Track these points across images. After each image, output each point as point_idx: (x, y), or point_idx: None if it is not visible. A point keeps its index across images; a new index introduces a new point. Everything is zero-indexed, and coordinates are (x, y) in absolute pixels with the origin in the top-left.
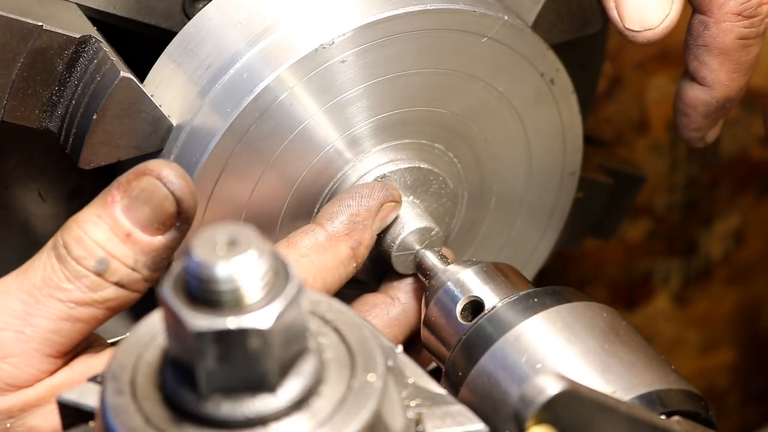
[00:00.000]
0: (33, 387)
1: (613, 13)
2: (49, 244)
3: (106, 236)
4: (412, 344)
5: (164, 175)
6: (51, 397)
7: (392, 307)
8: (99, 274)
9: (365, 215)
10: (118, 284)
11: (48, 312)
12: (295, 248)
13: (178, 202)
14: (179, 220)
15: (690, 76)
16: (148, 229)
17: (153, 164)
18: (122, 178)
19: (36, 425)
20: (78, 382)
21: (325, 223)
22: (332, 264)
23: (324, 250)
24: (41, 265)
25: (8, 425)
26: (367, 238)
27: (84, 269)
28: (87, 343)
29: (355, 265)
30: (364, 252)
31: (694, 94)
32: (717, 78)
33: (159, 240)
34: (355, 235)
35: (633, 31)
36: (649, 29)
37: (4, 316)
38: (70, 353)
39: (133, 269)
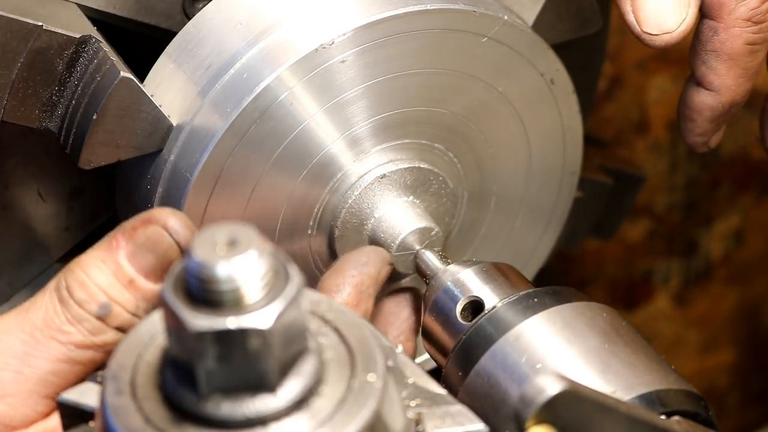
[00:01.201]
0: (27, 430)
1: (630, 17)
2: (51, 284)
3: (109, 281)
4: None
5: (170, 225)
6: None
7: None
8: (101, 319)
9: (369, 283)
10: (119, 329)
11: (48, 354)
12: None
13: (183, 251)
14: None
15: (696, 81)
16: (151, 277)
17: (159, 213)
18: (127, 224)
19: None
20: None
21: (335, 296)
22: None
23: None
24: (43, 305)
25: None
26: (371, 306)
27: (86, 313)
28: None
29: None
30: (367, 316)
31: (701, 99)
32: (724, 83)
33: (161, 287)
34: (362, 305)
35: (651, 34)
36: (667, 33)
37: (3, 356)
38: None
39: (134, 314)
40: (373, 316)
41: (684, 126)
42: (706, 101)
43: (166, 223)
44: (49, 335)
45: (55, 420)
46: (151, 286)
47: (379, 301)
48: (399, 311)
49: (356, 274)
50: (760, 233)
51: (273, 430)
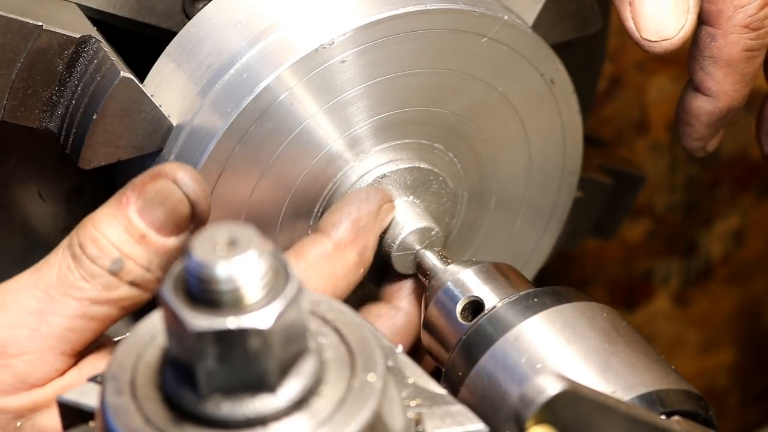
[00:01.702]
0: (43, 387)
1: (630, 23)
2: (64, 242)
3: (121, 237)
4: (416, 350)
5: (179, 178)
6: None
7: (396, 316)
8: (114, 274)
9: (367, 219)
10: (132, 283)
11: (63, 310)
12: (303, 258)
13: (193, 205)
14: (193, 223)
15: (694, 87)
16: (162, 231)
17: (168, 167)
18: (137, 180)
19: (45, 426)
20: None
21: (331, 231)
22: (341, 272)
23: (332, 258)
24: (56, 263)
25: (18, 424)
26: (372, 242)
27: (99, 268)
28: (97, 342)
29: (363, 270)
30: (369, 256)
31: (699, 104)
32: (722, 89)
33: (173, 242)
34: (361, 241)
35: (650, 41)
36: (666, 39)
37: (19, 314)
38: (82, 352)
39: (147, 269)
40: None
41: (682, 131)
42: (703, 106)
43: (175, 176)
44: (64, 292)
45: (69, 377)
46: (163, 241)
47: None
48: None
49: (354, 210)
50: (760, 233)
51: (273, 430)
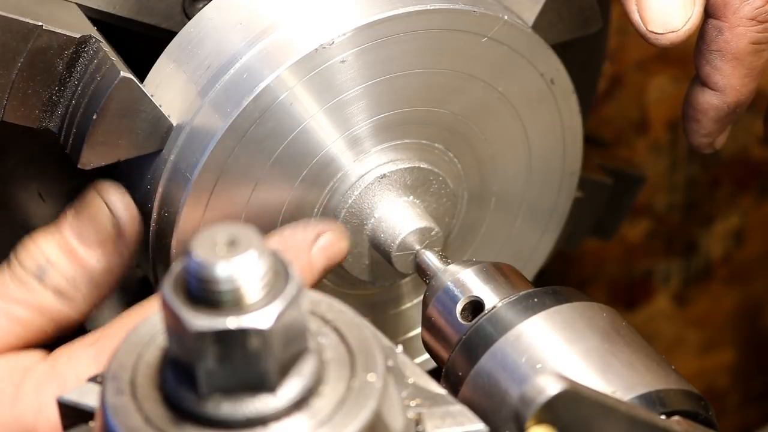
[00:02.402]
0: None
1: (635, 16)
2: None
3: (51, 247)
4: None
5: (107, 197)
6: None
7: None
8: (38, 279)
9: (299, 240)
10: (56, 292)
11: None
12: None
13: (118, 225)
14: (119, 244)
15: (701, 81)
16: (89, 247)
17: (101, 185)
18: (79, 197)
19: None
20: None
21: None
22: None
23: None
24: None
25: None
26: (301, 262)
27: (24, 272)
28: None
29: None
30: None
31: (706, 99)
32: (729, 83)
33: (98, 261)
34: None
35: (656, 33)
36: (672, 32)
37: None
38: (2, 353)
39: (72, 284)
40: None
41: (689, 127)
42: (711, 101)
43: (105, 194)
44: None
45: None
46: (88, 257)
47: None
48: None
49: (288, 230)
50: (760, 233)
51: (273, 430)
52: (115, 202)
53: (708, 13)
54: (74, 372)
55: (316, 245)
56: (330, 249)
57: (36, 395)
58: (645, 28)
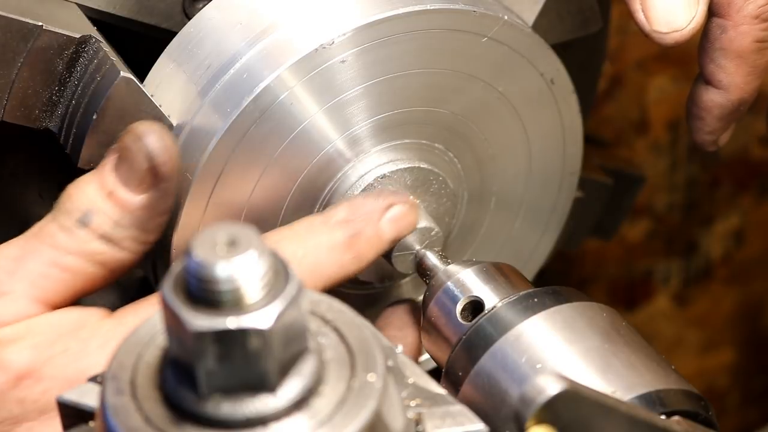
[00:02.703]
0: (10, 325)
1: (639, 15)
2: None
3: (93, 192)
4: None
5: (140, 132)
6: (27, 334)
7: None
8: (84, 226)
9: (368, 210)
10: (104, 238)
11: (39, 256)
12: (290, 228)
13: (151, 158)
14: (156, 179)
15: (705, 80)
16: (129, 187)
17: (137, 124)
18: (121, 137)
19: (8, 360)
20: (55, 326)
21: (326, 211)
22: (325, 246)
23: (318, 231)
24: (43, 219)
25: None
26: (369, 232)
27: (70, 220)
28: (75, 299)
29: (353, 256)
30: (365, 246)
31: (710, 97)
32: (733, 81)
33: (140, 198)
34: (354, 226)
35: (660, 33)
36: (677, 31)
37: (1, 260)
38: (58, 306)
39: (117, 224)
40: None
41: (693, 125)
42: (715, 99)
43: (138, 131)
44: (41, 240)
45: (39, 319)
46: (129, 197)
47: (381, 314)
48: (402, 327)
49: (357, 199)
50: (760, 233)
51: (273, 430)
52: (152, 142)
53: (712, 12)
54: None
55: (386, 216)
56: (400, 221)
57: (102, 351)
58: (649, 27)
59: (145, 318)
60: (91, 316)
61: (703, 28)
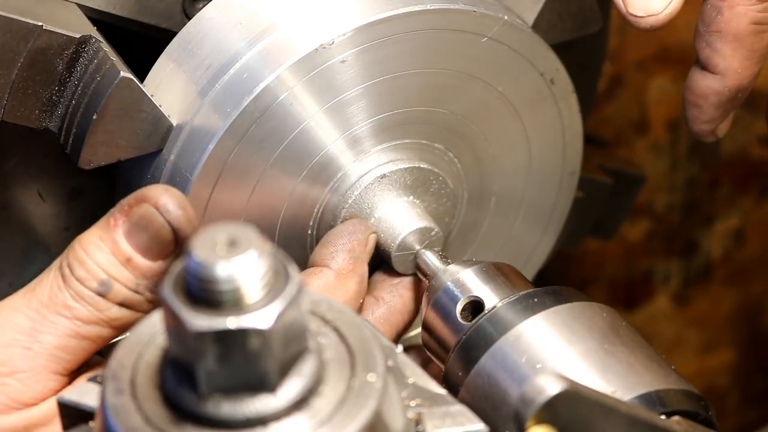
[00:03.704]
0: (38, 406)
1: None
2: (56, 263)
3: (108, 259)
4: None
5: (161, 204)
6: (54, 417)
7: (377, 307)
8: (102, 295)
9: (360, 249)
10: (122, 305)
11: (55, 329)
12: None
13: (175, 231)
14: (178, 248)
15: (701, 65)
16: (148, 255)
17: (152, 190)
18: (124, 202)
19: None
20: None
21: (330, 263)
22: (343, 301)
23: (335, 288)
24: (48, 283)
25: None
26: (366, 270)
27: (87, 290)
28: (91, 361)
29: (362, 299)
30: (365, 285)
31: (706, 83)
32: (730, 65)
33: (159, 265)
34: (358, 270)
35: (636, 16)
36: (652, 15)
37: (12, 333)
38: (77, 372)
39: (135, 291)
40: None
41: (690, 114)
42: (711, 86)
43: (157, 202)
44: (55, 311)
45: None
46: (148, 264)
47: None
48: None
49: (346, 241)
50: (760, 233)
51: (273, 430)
52: (168, 207)
53: None
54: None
55: (368, 248)
56: (371, 251)
57: None
58: (625, 10)
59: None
60: None
61: (680, 26)
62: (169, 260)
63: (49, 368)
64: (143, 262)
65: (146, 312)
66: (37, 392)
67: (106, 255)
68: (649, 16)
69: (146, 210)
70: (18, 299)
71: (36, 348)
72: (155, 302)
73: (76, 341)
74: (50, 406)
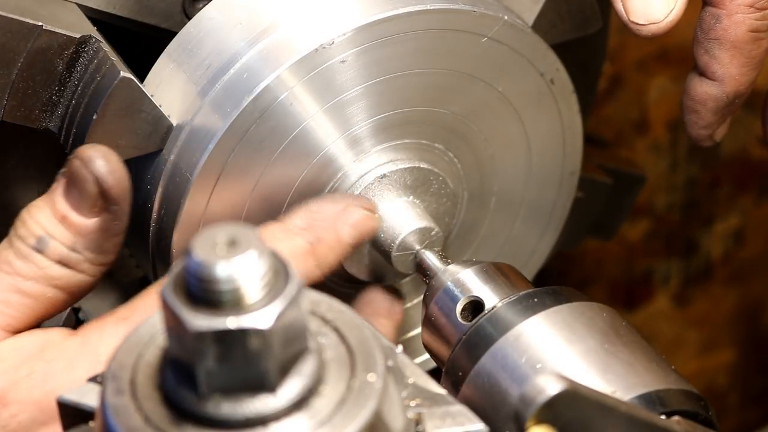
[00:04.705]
0: None
1: (618, 5)
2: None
3: (47, 218)
4: None
5: (85, 157)
6: None
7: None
8: (39, 252)
9: (327, 214)
10: (61, 263)
11: None
12: None
13: (100, 183)
14: (106, 202)
15: (699, 72)
16: (80, 211)
17: (82, 148)
18: (67, 163)
19: None
20: (19, 349)
21: (285, 219)
22: (287, 253)
23: (278, 240)
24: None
25: None
26: (329, 238)
27: (26, 246)
28: (40, 322)
29: (315, 262)
30: (326, 251)
31: (704, 89)
32: (728, 72)
33: (93, 222)
34: (314, 232)
35: (638, 24)
36: (654, 23)
37: None
38: (20, 331)
39: (73, 249)
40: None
41: (688, 119)
42: (709, 92)
43: (82, 155)
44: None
45: (4, 345)
46: (82, 220)
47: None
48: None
49: (315, 205)
50: (760, 233)
51: (273, 430)
52: (99, 167)
53: (706, 1)
54: (106, 347)
55: (344, 220)
56: (360, 225)
57: (68, 372)
58: (627, 18)
59: (109, 336)
60: (54, 336)
61: (679, 25)
62: (103, 218)
63: None
64: (77, 219)
65: (88, 274)
66: None
67: (45, 213)
68: (650, 24)
69: (75, 165)
70: None
71: None
72: (96, 263)
73: (17, 297)
74: None
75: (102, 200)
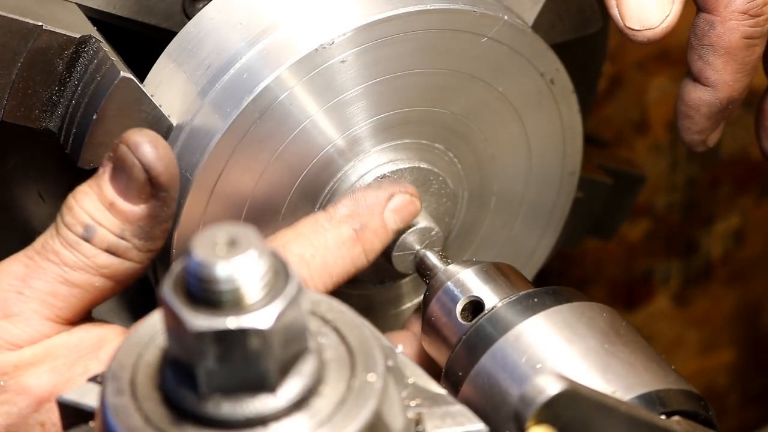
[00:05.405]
0: (28, 348)
1: (614, 11)
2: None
3: (94, 205)
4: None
5: (132, 142)
6: (46, 357)
7: (414, 341)
8: (87, 240)
9: (372, 201)
10: (109, 251)
11: (45, 275)
12: (294, 229)
13: (148, 170)
14: (154, 189)
15: (693, 77)
16: (128, 197)
17: (128, 133)
18: (114, 146)
19: (29, 384)
20: (75, 347)
21: (328, 208)
22: (333, 243)
23: (324, 230)
24: (45, 234)
25: (1, 383)
26: (375, 224)
27: (73, 235)
28: (88, 312)
29: (361, 249)
30: (372, 238)
31: (698, 95)
32: (721, 78)
33: (142, 209)
34: (359, 219)
35: (633, 30)
36: (649, 29)
37: (8, 278)
38: (72, 321)
39: (121, 237)
40: None
41: (681, 124)
42: (703, 97)
43: (128, 141)
44: (46, 257)
45: (57, 339)
46: (130, 207)
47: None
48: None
49: (359, 192)
50: (760, 233)
51: (273, 430)
52: (147, 153)
53: (700, 7)
54: None
55: (389, 206)
56: (403, 210)
57: None
58: (622, 24)
59: None
60: (109, 334)
61: (679, 26)
62: (152, 204)
63: (41, 313)
64: (125, 206)
65: (136, 261)
66: (28, 335)
67: (92, 201)
68: (646, 29)
69: (122, 151)
70: (19, 252)
71: (28, 293)
72: (144, 250)
73: (65, 288)
74: (41, 347)
75: (150, 187)
